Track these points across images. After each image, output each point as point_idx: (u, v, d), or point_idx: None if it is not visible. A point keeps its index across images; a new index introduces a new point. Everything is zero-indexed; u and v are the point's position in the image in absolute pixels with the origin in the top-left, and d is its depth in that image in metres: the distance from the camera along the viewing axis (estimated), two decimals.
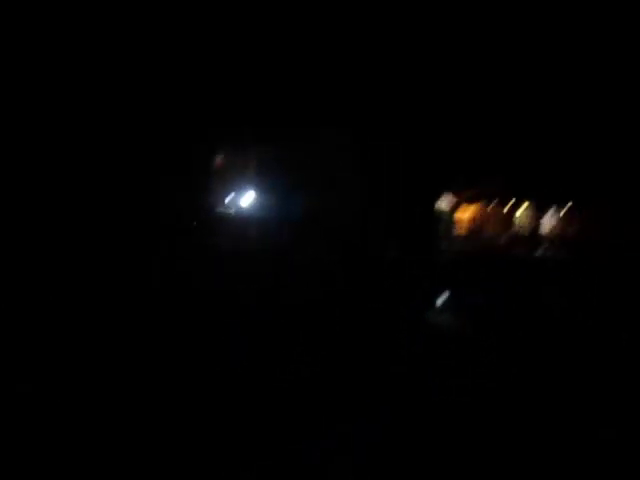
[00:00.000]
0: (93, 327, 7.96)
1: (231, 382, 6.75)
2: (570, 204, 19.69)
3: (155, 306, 9.01)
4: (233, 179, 14.58)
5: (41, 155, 11.08)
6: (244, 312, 9.25)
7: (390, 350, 8.60)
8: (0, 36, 10.56)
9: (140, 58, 11.89)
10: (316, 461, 5.22)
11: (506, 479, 5.56)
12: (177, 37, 11.95)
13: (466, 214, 20.93)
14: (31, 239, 10.10)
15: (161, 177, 11.84)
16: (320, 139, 13.19)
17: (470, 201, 19.96)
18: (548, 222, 21.03)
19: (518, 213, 21.46)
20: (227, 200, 14.51)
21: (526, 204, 20.66)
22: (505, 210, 21.17)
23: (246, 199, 14.39)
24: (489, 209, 20.79)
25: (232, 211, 14.47)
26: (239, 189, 14.50)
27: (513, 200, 20.33)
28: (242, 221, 14.15)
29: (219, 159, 14.48)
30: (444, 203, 19.27)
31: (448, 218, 19.86)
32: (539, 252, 18.65)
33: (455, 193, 19.05)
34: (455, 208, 19.75)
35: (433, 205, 15.93)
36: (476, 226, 21.01)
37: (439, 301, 10.91)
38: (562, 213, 20.19)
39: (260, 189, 14.39)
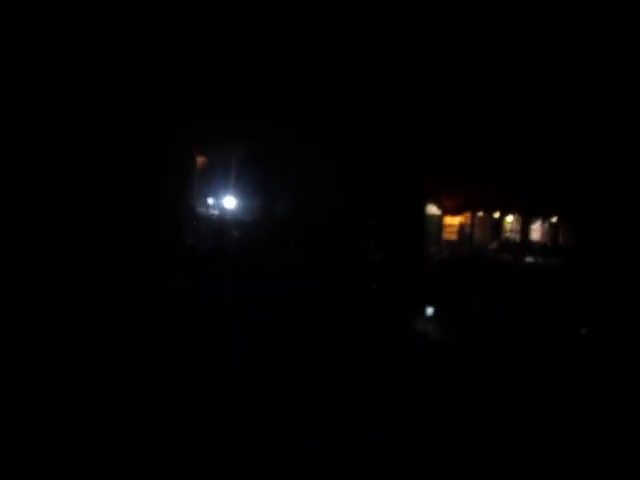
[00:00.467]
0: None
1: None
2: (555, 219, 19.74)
3: (144, 307, 8.99)
4: (215, 180, 14.21)
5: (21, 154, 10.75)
6: (240, 313, 9.19)
7: (378, 354, 8.46)
8: None
9: (118, 54, 11.53)
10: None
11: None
12: (155, 32, 11.57)
13: (456, 219, 20.79)
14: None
15: (139, 177, 11.37)
16: (305, 138, 12.81)
17: (454, 213, 19.86)
18: (538, 229, 20.93)
19: (508, 219, 21.35)
20: (209, 202, 14.10)
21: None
22: (495, 216, 21.05)
23: (229, 201, 13.97)
24: (479, 215, 20.65)
25: (215, 213, 14.09)
26: (222, 190, 14.11)
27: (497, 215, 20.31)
28: (226, 223, 13.76)
29: (200, 159, 14.11)
30: (434, 208, 19.06)
31: (438, 222, 19.63)
32: (531, 258, 18.42)
33: (439, 205, 18.85)
34: (444, 214, 19.58)
35: (422, 207, 15.59)
36: (466, 231, 20.86)
37: (429, 310, 10.60)
38: (550, 222, 20.12)
39: (243, 190, 13.99)
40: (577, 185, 16.50)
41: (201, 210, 14.26)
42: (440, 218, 19.71)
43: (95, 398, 6.06)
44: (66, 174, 10.94)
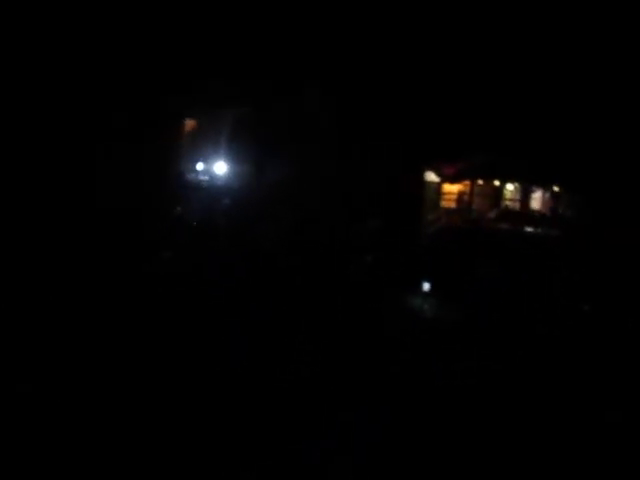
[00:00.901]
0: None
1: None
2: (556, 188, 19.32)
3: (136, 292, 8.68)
4: (206, 145, 13.50)
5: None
6: (229, 288, 8.95)
7: (376, 331, 8.27)
8: None
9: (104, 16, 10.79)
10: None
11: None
12: None
13: (455, 187, 20.34)
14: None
15: (121, 142, 10.73)
16: (300, 98, 12.12)
17: (453, 181, 19.40)
18: (539, 198, 20.50)
19: (509, 187, 20.88)
20: (199, 167, 13.44)
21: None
22: (495, 184, 20.58)
23: (220, 166, 13.33)
24: (479, 183, 20.18)
25: (205, 179, 13.47)
26: (212, 155, 13.44)
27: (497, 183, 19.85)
28: (216, 190, 13.19)
29: (190, 122, 13.36)
30: (433, 175, 18.55)
31: (436, 189, 19.18)
32: (530, 228, 18.04)
33: (438, 172, 18.34)
34: (443, 182, 19.12)
35: (422, 174, 15.09)
36: (465, 199, 20.43)
37: (425, 285, 10.22)
38: (552, 191, 19.67)
39: (235, 156, 13.36)
40: (579, 154, 16.08)
41: (190, 176, 13.67)
42: (439, 185, 19.27)
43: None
44: (45, 135, 10.41)
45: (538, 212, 20.20)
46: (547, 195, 20.18)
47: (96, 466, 5.00)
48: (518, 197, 20.62)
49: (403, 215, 13.66)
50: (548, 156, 16.77)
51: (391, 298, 9.58)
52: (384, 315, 8.73)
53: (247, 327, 7.90)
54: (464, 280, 10.98)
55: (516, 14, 12.95)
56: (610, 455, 5.55)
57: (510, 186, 20.75)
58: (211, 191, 13.01)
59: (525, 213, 19.64)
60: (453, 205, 20.32)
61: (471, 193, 20.37)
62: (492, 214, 19.89)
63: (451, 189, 20.30)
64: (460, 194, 20.66)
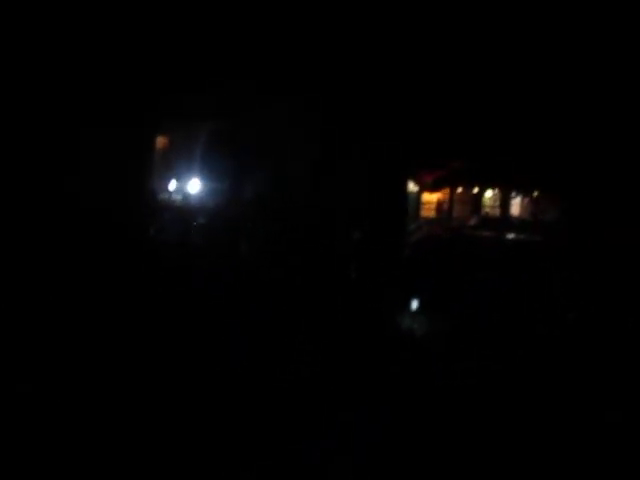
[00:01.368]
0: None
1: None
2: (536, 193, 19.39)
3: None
4: (178, 162, 12.94)
5: None
6: (207, 313, 8.59)
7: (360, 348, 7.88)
8: None
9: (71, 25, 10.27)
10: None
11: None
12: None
13: (434, 195, 20.23)
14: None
15: (89, 160, 10.14)
16: (275, 111, 11.69)
17: (432, 189, 19.29)
18: (518, 204, 20.54)
19: (487, 194, 20.86)
20: (172, 186, 12.84)
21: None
22: (474, 191, 20.53)
23: (194, 184, 12.76)
24: (458, 190, 20.12)
25: (178, 199, 12.92)
26: (185, 173, 12.88)
27: (476, 190, 19.85)
28: (190, 209, 12.65)
29: (161, 139, 12.81)
30: (411, 184, 18.35)
31: (416, 199, 18.99)
32: (511, 234, 17.91)
33: (416, 181, 18.19)
34: (422, 191, 18.98)
35: (403, 183, 14.79)
36: (445, 207, 20.35)
37: (414, 302, 9.88)
38: (531, 197, 19.73)
39: (210, 172, 12.83)
40: (558, 158, 16.05)
41: (163, 196, 13.10)
42: (418, 195, 19.12)
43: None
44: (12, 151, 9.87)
45: (518, 218, 20.21)
46: (526, 200, 20.21)
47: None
48: (497, 203, 20.64)
49: (386, 227, 13.31)
50: (526, 161, 16.70)
51: (376, 316, 9.22)
52: (370, 337, 8.38)
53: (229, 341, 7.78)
54: (450, 293, 10.65)
55: (488, 25, 12.83)
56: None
57: (489, 192, 20.74)
58: (185, 210, 12.44)
59: (505, 219, 19.60)
60: (433, 214, 20.23)
61: (450, 201, 20.32)
62: (472, 221, 19.79)
63: (430, 198, 20.20)
64: (439, 203, 20.59)
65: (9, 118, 9.99)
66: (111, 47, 10.69)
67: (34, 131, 10.18)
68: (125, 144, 11.01)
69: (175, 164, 13.27)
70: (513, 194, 20.45)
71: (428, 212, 20.12)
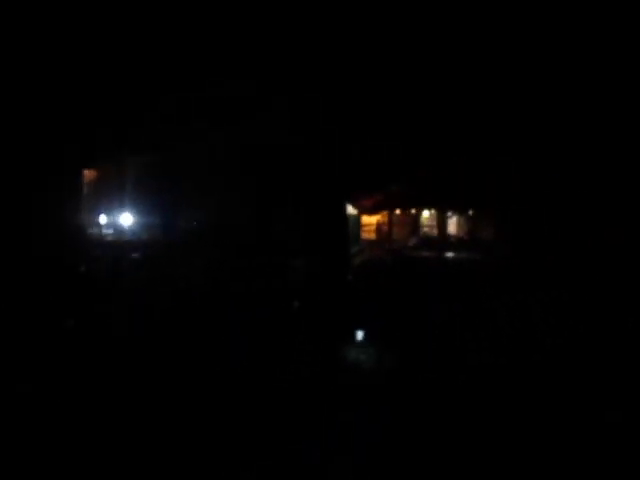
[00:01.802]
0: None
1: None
2: (471, 212, 19.89)
3: None
4: (109, 195, 12.45)
5: None
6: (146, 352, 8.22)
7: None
8: None
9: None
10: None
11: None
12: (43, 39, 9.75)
13: (374, 218, 20.46)
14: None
15: (13, 195, 9.56)
16: (208, 141, 11.46)
17: (371, 212, 19.55)
18: (454, 222, 20.99)
19: (425, 215, 21.26)
20: (102, 220, 12.31)
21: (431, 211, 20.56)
22: (413, 212, 20.89)
23: (126, 218, 12.29)
24: (396, 212, 20.42)
25: (109, 233, 12.41)
26: (117, 207, 12.40)
27: (413, 210, 20.24)
28: (122, 244, 12.15)
29: (90, 173, 12.31)
30: (351, 207, 18.47)
31: (356, 222, 19.11)
32: (450, 252, 18.25)
33: (356, 205, 18.36)
34: (361, 213, 19.17)
35: (343, 207, 14.79)
36: (384, 229, 20.59)
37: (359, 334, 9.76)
38: (467, 215, 20.20)
39: (143, 205, 12.41)
40: (491, 177, 16.45)
41: (93, 230, 12.54)
42: (358, 217, 19.27)
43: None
44: None
45: (455, 236, 20.66)
46: (462, 219, 20.69)
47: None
48: (435, 223, 21.05)
49: (328, 252, 13.22)
50: (461, 183, 17.06)
51: (323, 350, 9.00)
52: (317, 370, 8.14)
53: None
54: (394, 319, 10.59)
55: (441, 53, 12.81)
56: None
57: (426, 212, 21.14)
58: (116, 245, 11.94)
59: (443, 238, 19.99)
60: (373, 236, 20.42)
61: (389, 222, 20.58)
62: (411, 242, 20.10)
63: (370, 220, 20.41)
64: (379, 224, 20.82)
65: None
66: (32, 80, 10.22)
67: None
68: (43, 176, 10.45)
69: (106, 198, 12.78)
70: (449, 214, 20.89)
71: (368, 234, 20.29)
